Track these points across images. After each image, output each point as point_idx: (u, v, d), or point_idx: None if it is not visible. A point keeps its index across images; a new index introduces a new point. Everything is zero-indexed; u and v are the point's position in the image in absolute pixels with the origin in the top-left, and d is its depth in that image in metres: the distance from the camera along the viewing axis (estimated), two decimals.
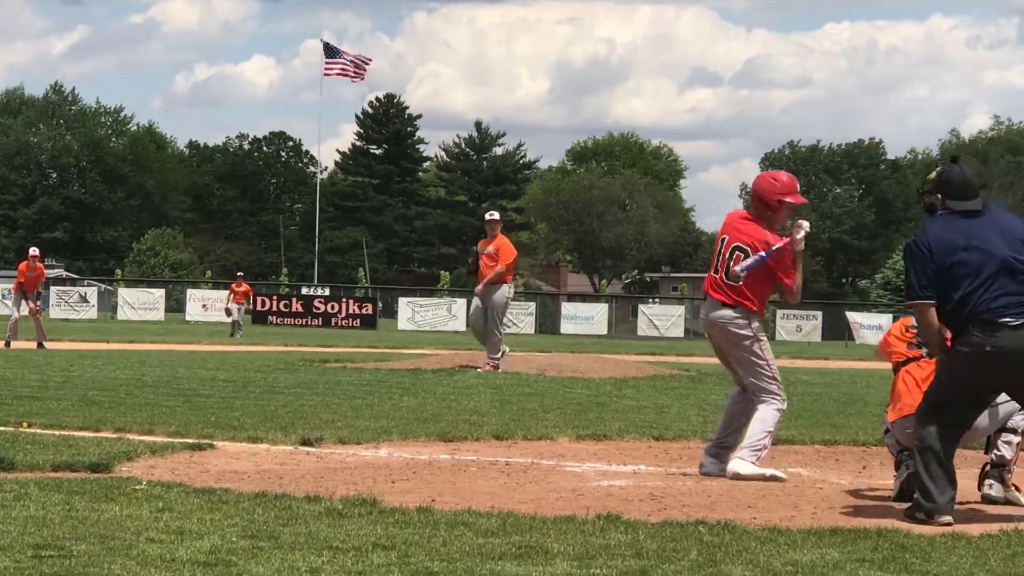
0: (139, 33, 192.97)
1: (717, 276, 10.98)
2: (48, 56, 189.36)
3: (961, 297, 8.74)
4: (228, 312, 51.32)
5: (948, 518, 8.60)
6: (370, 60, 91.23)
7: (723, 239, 11.01)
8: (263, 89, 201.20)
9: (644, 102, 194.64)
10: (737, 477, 10.55)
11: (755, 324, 10.91)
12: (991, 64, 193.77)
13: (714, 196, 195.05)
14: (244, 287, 52.18)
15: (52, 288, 68.29)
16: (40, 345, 31.12)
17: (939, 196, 9.03)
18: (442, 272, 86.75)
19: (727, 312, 10.91)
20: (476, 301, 23.84)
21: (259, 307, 63.99)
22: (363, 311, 65.98)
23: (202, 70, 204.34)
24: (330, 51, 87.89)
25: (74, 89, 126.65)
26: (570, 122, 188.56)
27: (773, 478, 10.51)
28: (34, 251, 34.56)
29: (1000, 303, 8.67)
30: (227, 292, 54.13)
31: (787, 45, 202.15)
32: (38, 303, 33.84)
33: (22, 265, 33.97)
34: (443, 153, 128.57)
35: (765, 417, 10.82)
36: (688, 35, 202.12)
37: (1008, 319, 8.66)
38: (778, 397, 10.92)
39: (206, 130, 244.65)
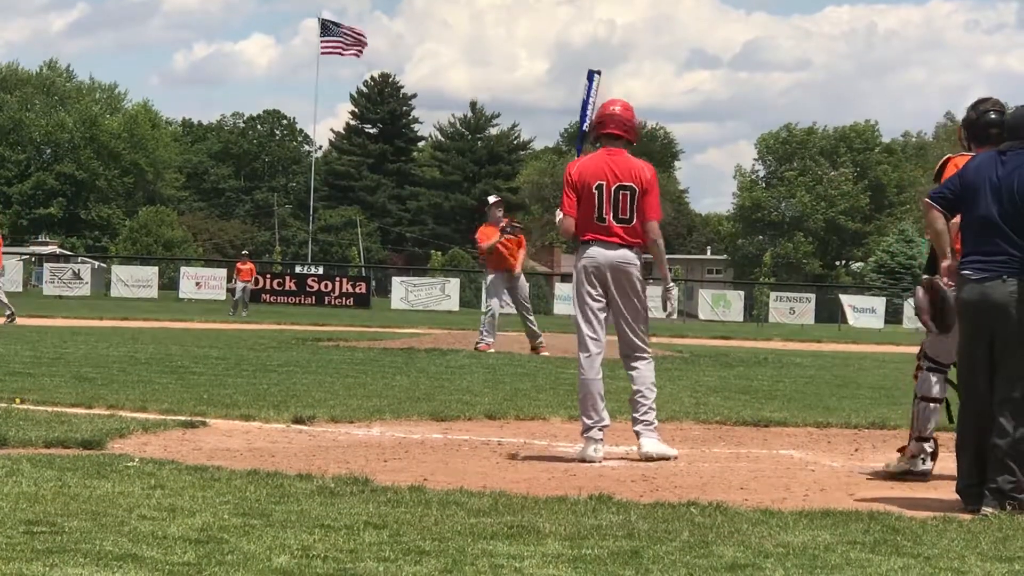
0: (139, 11, 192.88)
1: (605, 223, 10.61)
2: (47, 33, 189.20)
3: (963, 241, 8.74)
4: (232, 291, 51.26)
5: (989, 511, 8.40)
6: (362, 35, 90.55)
7: (600, 184, 10.61)
8: (262, 68, 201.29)
9: (643, 83, 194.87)
10: (663, 458, 10.56)
11: (643, 270, 10.80)
12: (989, 48, 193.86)
13: (710, 178, 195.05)
14: (248, 265, 52.13)
15: (46, 265, 68.34)
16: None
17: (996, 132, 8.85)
18: (434, 252, 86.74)
19: (626, 252, 10.67)
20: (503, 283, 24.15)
21: (253, 285, 63.99)
22: (356, 290, 66.01)
23: (201, 48, 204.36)
24: (327, 28, 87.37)
25: (69, 66, 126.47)
26: (568, 103, 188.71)
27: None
28: None
29: (968, 256, 8.62)
30: (234, 271, 54.05)
31: (786, 28, 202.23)
32: None
33: None
34: (438, 133, 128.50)
35: (653, 381, 10.83)
36: (688, 17, 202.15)
37: (968, 272, 8.60)
38: (648, 346, 10.87)
39: (204, 108, 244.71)
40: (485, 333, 23.95)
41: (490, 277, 24.26)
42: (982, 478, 8.50)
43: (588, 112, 11.14)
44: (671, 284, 11.13)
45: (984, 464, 8.52)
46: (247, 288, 50.40)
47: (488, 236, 24.18)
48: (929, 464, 9.79)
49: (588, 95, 11.09)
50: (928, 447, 9.83)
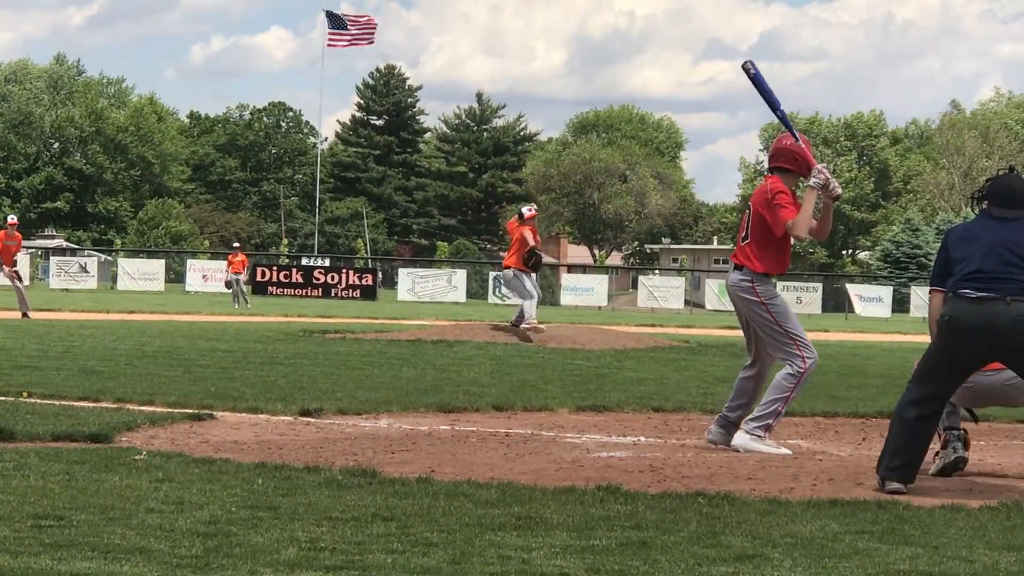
0: (158, 4, 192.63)
1: (737, 243, 11.15)
2: (66, 27, 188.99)
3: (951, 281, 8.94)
4: (228, 284, 51.11)
5: (896, 486, 8.68)
6: (371, 20, 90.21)
7: (748, 207, 11.08)
8: (279, 61, 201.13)
9: (659, 74, 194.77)
10: (746, 451, 10.58)
11: (760, 287, 10.88)
12: (1005, 38, 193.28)
13: (722, 168, 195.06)
14: (241, 257, 52.04)
15: (52, 258, 68.38)
16: (24, 315, 30.84)
17: (986, 202, 9.10)
18: (440, 243, 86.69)
19: (735, 275, 11.02)
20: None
21: (259, 277, 63.99)
22: (363, 282, 66.00)
23: (218, 41, 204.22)
24: (334, 21, 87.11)
25: (79, 60, 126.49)
26: (584, 94, 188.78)
27: (775, 455, 10.50)
28: (12, 219, 33.84)
29: (968, 277, 8.77)
30: (226, 263, 53.95)
31: (804, 18, 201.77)
32: (15, 269, 32.26)
33: (0, 234, 33.24)
34: (443, 124, 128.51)
35: (777, 383, 10.85)
36: (707, 7, 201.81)
37: (967, 291, 8.73)
38: (797, 356, 10.85)
39: (220, 101, 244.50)
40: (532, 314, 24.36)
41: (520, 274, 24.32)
42: (907, 461, 8.77)
43: (773, 96, 11.17)
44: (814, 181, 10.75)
45: (914, 449, 8.81)
46: (240, 279, 50.29)
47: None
48: (963, 452, 9.68)
49: (762, 83, 11.09)
50: (959, 433, 9.74)
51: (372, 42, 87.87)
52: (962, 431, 9.69)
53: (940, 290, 8.97)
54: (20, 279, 32.40)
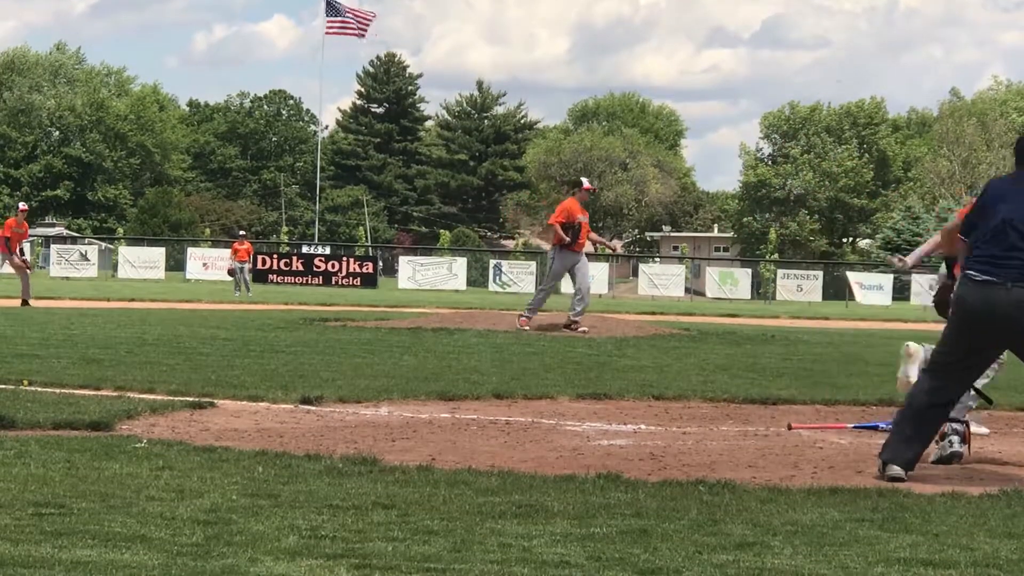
0: None
1: None
2: (68, 15, 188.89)
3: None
4: (231, 272, 50.94)
5: (896, 472, 8.69)
6: (373, 14, 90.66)
7: None
8: (281, 50, 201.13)
9: (662, 62, 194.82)
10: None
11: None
12: (1008, 26, 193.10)
13: (724, 156, 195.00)
14: (246, 245, 51.95)
15: (52, 246, 68.38)
16: (24, 303, 30.73)
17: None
18: (441, 231, 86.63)
19: None
20: (571, 264, 23.89)
21: (260, 265, 63.96)
22: (363, 270, 66.03)
23: (221, 29, 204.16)
24: (332, 9, 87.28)
25: (79, 49, 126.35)
26: (586, 82, 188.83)
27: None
28: (24, 206, 33.95)
29: (977, 259, 8.78)
30: (230, 251, 53.83)
31: (806, 6, 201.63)
32: (24, 258, 32.51)
33: (10, 221, 32.82)
34: (444, 112, 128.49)
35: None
36: None
37: (973, 272, 8.75)
38: None
39: (223, 89, 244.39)
40: (529, 309, 23.94)
41: (563, 255, 23.97)
42: (911, 449, 8.78)
43: None
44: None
45: (920, 437, 8.82)
46: (245, 268, 50.18)
47: (574, 214, 23.86)
48: (959, 448, 9.67)
49: None
50: (959, 427, 9.73)
51: (364, 35, 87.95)
52: (963, 425, 9.67)
53: (964, 241, 8.97)
54: (27, 266, 32.38)
